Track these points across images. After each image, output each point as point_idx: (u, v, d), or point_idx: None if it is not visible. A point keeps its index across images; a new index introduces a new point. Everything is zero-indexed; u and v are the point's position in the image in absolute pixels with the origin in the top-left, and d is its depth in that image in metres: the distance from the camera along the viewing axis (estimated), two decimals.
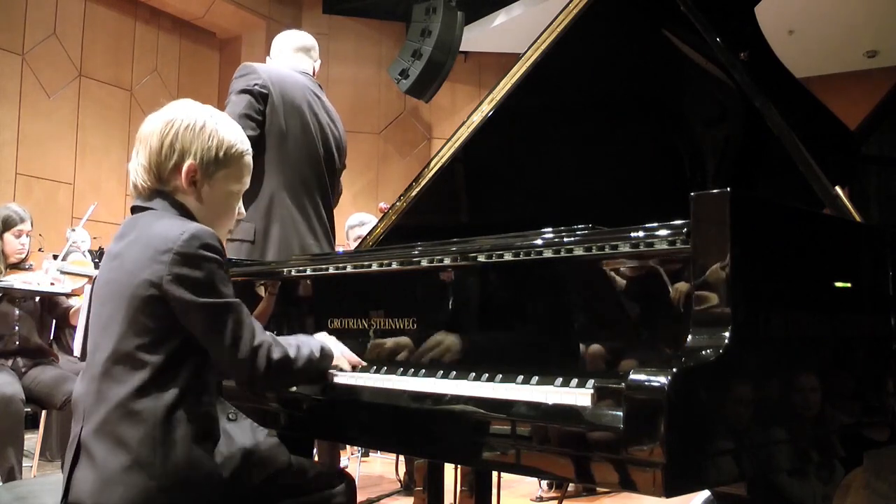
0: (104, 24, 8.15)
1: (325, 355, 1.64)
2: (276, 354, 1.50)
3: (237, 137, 1.62)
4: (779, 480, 1.37)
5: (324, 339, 1.69)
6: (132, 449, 1.38)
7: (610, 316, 1.41)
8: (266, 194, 2.62)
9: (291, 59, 2.91)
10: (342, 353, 1.69)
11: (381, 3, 9.31)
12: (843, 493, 1.72)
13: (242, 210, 1.71)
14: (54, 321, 3.98)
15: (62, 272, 3.79)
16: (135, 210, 1.58)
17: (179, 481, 1.40)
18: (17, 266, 3.75)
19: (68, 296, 3.83)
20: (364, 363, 1.72)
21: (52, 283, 3.70)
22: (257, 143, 2.52)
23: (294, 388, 1.71)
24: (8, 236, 3.70)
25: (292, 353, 1.54)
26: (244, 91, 2.59)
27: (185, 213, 1.56)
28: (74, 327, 3.88)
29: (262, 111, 2.60)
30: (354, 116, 8.92)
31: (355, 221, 4.93)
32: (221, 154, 1.58)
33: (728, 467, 1.17)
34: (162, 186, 1.56)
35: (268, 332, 1.53)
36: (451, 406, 1.38)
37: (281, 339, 1.55)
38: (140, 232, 1.50)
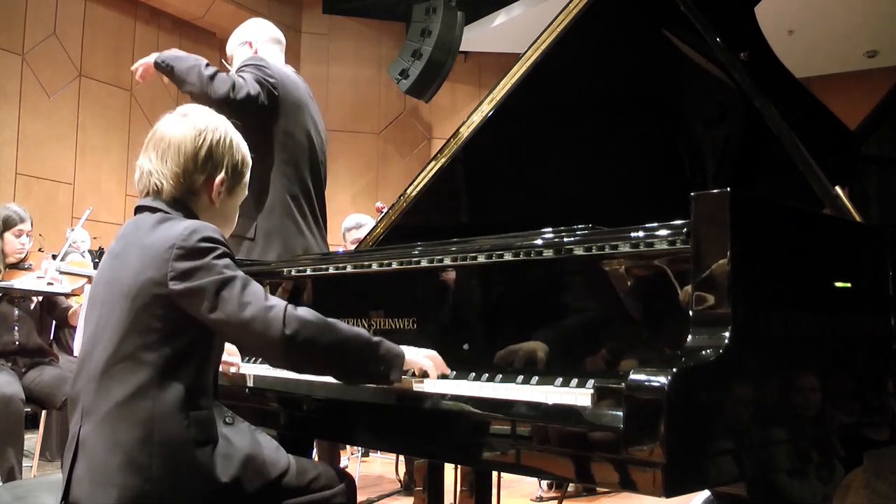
0: (104, 24, 8.15)
1: (388, 347, 1.49)
2: (298, 311, 1.44)
3: (248, 151, 1.68)
4: (779, 480, 1.37)
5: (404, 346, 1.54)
6: (129, 450, 1.38)
7: (610, 316, 1.42)
8: (269, 193, 2.60)
9: (276, 53, 2.85)
10: (427, 356, 1.54)
11: (381, 3, 9.31)
12: (843, 493, 1.72)
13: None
14: (54, 321, 3.98)
15: (61, 272, 3.79)
16: (139, 209, 1.58)
17: (176, 485, 1.40)
18: (17, 266, 3.75)
19: (67, 296, 3.83)
20: (448, 371, 1.55)
21: (49, 284, 3.70)
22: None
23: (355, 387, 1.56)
24: (8, 236, 3.70)
25: (329, 319, 1.47)
26: (258, 82, 2.53)
27: (193, 216, 1.57)
28: (74, 327, 3.88)
29: (263, 107, 2.55)
30: (354, 116, 8.93)
31: (352, 224, 4.85)
32: (242, 167, 1.65)
33: (728, 467, 1.17)
34: (188, 196, 1.58)
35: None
36: (451, 406, 1.38)
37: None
38: (144, 233, 1.51)
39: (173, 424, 1.41)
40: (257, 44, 2.83)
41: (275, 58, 2.81)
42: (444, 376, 1.55)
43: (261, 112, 2.53)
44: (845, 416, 1.44)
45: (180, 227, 1.47)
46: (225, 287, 1.43)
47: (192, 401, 1.45)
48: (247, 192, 1.72)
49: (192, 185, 1.58)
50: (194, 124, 1.59)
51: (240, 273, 1.48)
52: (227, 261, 1.48)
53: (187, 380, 1.45)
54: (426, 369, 1.52)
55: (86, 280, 3.88)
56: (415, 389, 1.49)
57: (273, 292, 2.09)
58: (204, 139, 1.57)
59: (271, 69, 2.62)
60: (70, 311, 3.83)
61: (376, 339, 1.51)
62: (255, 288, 1.47)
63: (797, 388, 1.32)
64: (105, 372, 1.44)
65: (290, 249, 2.60)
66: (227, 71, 2.75)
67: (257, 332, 1.43)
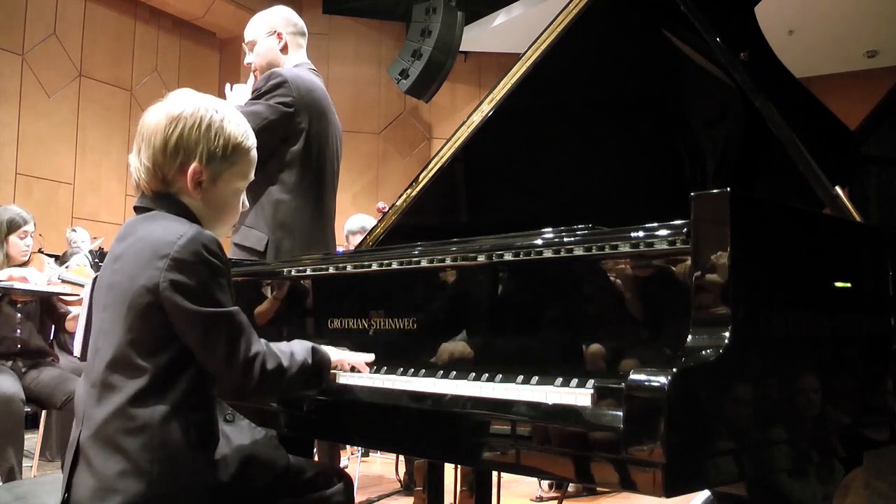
0: (104, 24, 8.15)
1: (320, 361, 1.57)
2: (270, 365, 1.46)
3: (244, 132, 1.57)
4: (779, 480, 1.37)
5: (324, 347, 1.63)
6: (130, 456, 1.37)
7: (610, 316, 1.41)
8: (283, 206, 2.56)
9: (301, 47, 2.79)
10: (344, 358, 1.65)
11: (381, 3, 9.31)
12: (843, 493, 1.72)
13: (247, 202, 1.66)
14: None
15: (62, 279, 3.79)
16: (138, 210, 1.57)
17: (177, 489, 1.39)
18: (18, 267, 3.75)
19: (67, 302, 3.83)
20: (372, 357, 1.68)
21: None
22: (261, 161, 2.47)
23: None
24: (13, 238, 3.70)
25: (286, 363, 1.49)
26: (272, 108, 2.49)
27: (188, 214, 1.53)
28: (71, 333, 3.88)
29: (277, 134, 2.52)
30: (354, 116, 8.93)
31: (356, 227, 4.79)
32: (229, 151, 1.54)
33: (728, 467, 1.17)
34: (166, 188, 1.53)
35: (262, 340, 1.49)
36: (451, 406, 1.38)
37: (274, 346, 1.51)
38: (140, 235, 1.48)
39: (172, 430, 1.40)
40: (286, 36, 2.74)
41: (299, 54, 2.75)
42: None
43: (273, 138, 2.50)
44: (845, 416, 1.44)
45: (175, 234, 1.43)
46: (217, 325, 1.42)
47: (191, 405, 1.44)
48: (247, 181, 1.62)
49: (164, 177, 1.51)
50: (168, 111, 1.51)
51: (230, 304, 1.45)
52: (220, 281, 1.44)
53: (186, 384, 1.44)
54: (342, 366, 1.64)
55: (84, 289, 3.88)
56: (420, 390, 1.49)
57: (272, 293, 2.09)
58: (175, 127, 1.49)
59: (290, 88, 2.53)
60: (68, 317, 3.83)
61: (310, 361, 1.56)
62: (244, 328, 1.45)
63: (797, 388, 1.32)
64: (104, 379, 1.43)
65: None
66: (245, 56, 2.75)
67: (233, 380, 1.46)
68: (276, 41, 2.73)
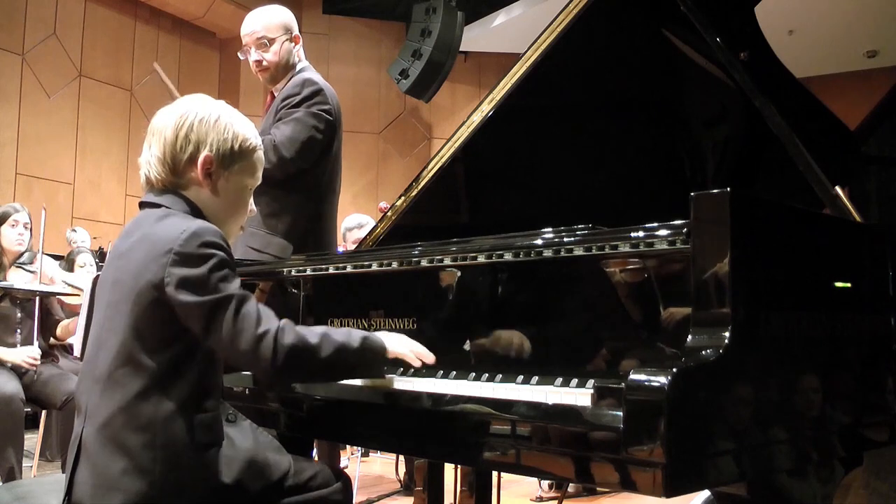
0: (104, 24, 8.16)
1: (370, 347, 1.51)
2: (286, 339, 1.42)
3: (250, 132, 1.62)
4: (779, 480, 1.37)
5: (384, 334, 1.57)
6: (133, 454, 1.38)
7: (610, 316, 1.42)
8: (305, 214, 2.55)
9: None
10: (411, 349, 1.57)
11: (381, 3, 9.32)
12: (843, 493, 1.72)
13: (254, 207, 1.69)
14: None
15: (65, 283, 3.79)
16: (143, 205, 1.57)
17: (180, 488, 1.39)
18: (20, 267, 3.74)
19: (63, 304, 3.83)
20: (433, 358, 1.57)
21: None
22: (302, 170, 2.48)
23: (332, 384, 1.63)
24: (4, 228, 3.66)
25: (313, 340, 1.45)
26: (319, 117, 2.49)
27: (195, 210, 1.55)
28: (60, 339, 3.90)
29: (323, 143, 2.51)
30: (354, 116, 8.92)
31: (353, 224, 4.83)
32: (237, 147, 1.58)
33: (728, 467, 1.17)
34: (177, 179, 1.55)
35: (284, 320, 1.46)
36: (450, 406, 1.38)
37: (303, 327, 1.47)
38: (144, 231, 1.49)
39: (176, 428, 1.40)
40: (300, 41, 2.72)
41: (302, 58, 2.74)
42: (426, 366, 1.56)
43: (319, 146, 2.50)
44: (845, 416, 1.44)
45: (179, 229, 1.44)
46: (219, 309, 1.41)
47: (196, 403, 1.44)
48: (255, 181, 1.65)
49: (175, 167, 1.53)
50: (178, 110, 1.56)
51: (235, 289, 1.44)
52: (224, 272, 1.44)
53: (191, 382, 1.44)
54: (406, 359, 1.55)
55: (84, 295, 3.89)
56: (420, 390, 1.49)
57: (271, 292, 2.09)
58: (185, 120, 1.54)
59: (327, 97, 2.52)
60: (61, 325, 3.84)
61: (358, 341, 1.50)
62: (249, 308, 1.43)
63: (797, 388, 1.32)
64: (108, 376, 1.43)
65: None
66: (248, 55, 2.67)
67: (247, 361, 1.46)
68: (292, 45, 2.70)
